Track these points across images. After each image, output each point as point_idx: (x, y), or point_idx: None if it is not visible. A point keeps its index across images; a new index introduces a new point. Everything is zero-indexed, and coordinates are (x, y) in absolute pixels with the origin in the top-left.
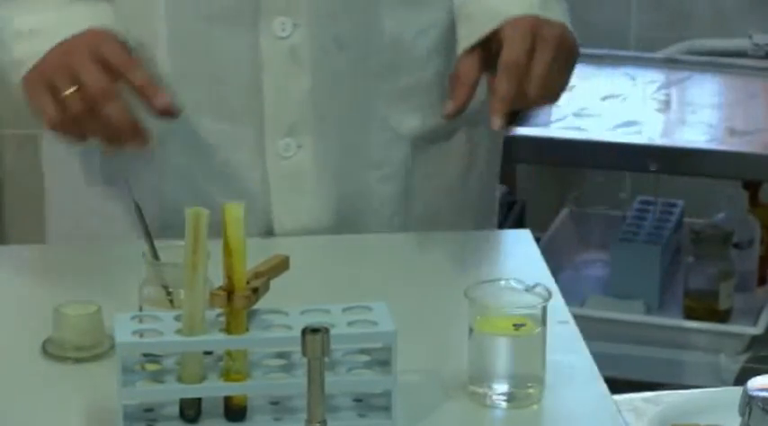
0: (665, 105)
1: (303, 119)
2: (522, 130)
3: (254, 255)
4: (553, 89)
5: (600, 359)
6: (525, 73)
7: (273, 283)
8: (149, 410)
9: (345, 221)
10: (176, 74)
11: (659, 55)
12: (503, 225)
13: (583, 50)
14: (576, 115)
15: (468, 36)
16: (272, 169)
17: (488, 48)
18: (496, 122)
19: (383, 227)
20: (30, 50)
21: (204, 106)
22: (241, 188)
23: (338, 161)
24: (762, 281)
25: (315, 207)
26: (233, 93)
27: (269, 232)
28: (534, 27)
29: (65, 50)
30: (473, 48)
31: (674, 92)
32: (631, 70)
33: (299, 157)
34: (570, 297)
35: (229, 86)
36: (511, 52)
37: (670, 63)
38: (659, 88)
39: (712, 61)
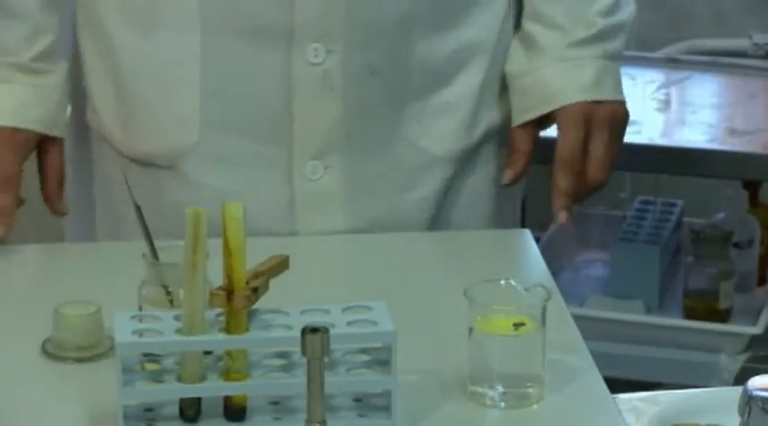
0: (665, 105)
1: (331, 143)
2: None
3: (254, 255)
4: (610, 167)
5: (599, 359)
6: (582, 163)
7: (273, 283)
8: (149, 409)
9: None
10: (207, 89)
11: (659, 54)
12: None
13: None
14: None
15: (523, 112)
16: (298, 190)
17: (542, 121)
18: (562, 216)
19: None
20: None
21: (233, 124)
22: (267, 208)
23: (368, 183)
24: (761, 281)
25: (341, 230)
26: (262, 113)
27: None
28: (587, 113)
29: None
30: (527, 123)
31: (673, 91)
32: (631, 70)
33: (325, 180)
34: (570, 296)
35: (259, 107)
36: (566, 145)
37: (670, 63)
38: (659, 88)
39: (712, 61)
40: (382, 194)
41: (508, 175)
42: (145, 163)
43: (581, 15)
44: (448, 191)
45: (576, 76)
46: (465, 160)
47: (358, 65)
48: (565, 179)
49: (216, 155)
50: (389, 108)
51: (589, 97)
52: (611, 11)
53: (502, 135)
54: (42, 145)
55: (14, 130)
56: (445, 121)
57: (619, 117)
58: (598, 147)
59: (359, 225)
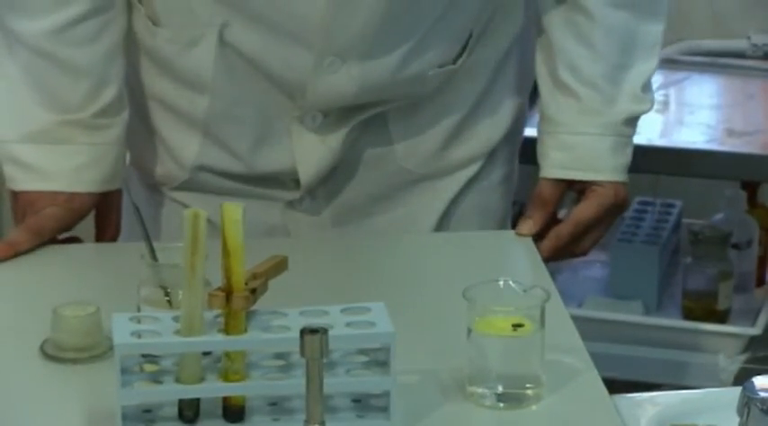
0: (664, 106)
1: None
2: (525, 131)
3: (253, 257)
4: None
5: (598, 360)
6: (585, 233)
7: (272, 284)
8: (148, 411)
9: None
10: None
11: None
12: None
13: None
14: None
15: (563, 168)
16: (288, 221)
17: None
18: (526, 228)
19: None
20: (17, 177)
21: (228, 168)
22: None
23: (354, 206)
24: (760, 282)
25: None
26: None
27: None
28: (616, 194)
29: (22, 202)
30: (559, 179)
31: (672, 92)
32: None
33: (307, 205)
34: (569, 297)
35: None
36: (586, 213)
37: (668, 63)
38: (657, 89)
39: (711, 62)
40: (371, 213)
41: (528, 226)
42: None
43: (627, 86)
44: (443, 206)
45: (621, 156)
46: (454, 175)
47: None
48: (570, 236)
49: (209, 188)
50: (376, 132)
51: (623, 178)
52: (648, 87)
53: (502, 149)
54: (100, 201)
55: (72, 195)
56: (430, 141)
57: (624, 206)
58: (602, 228)
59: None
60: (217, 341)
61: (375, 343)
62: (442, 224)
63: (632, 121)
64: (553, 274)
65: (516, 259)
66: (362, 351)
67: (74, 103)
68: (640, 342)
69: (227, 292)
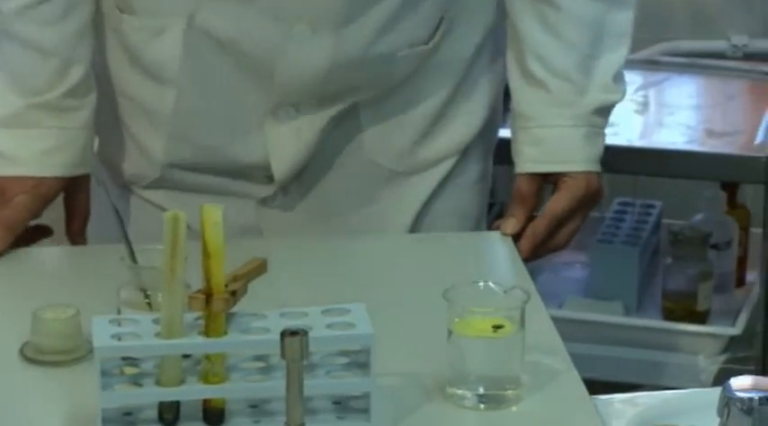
0: (644, 107)
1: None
2: (501, 132)
3: (233, 258)
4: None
5: (578, 361)
6: (560, 226)
7: (252, 286)
8: (128, 413)
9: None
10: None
11: (637, 56)
12: None
13: None
14: None
15: (536, 162)
16: (261, 219)
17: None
18: (508, 226)
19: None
20: None
21: (199, 161)
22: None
23: (329, 201)
24: (740, 282)
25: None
26: (231, 155)
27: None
28: (588, 185)
29: None
30: (533, 174)
31: (652, 93)
32: None
33: (282, 201)
34: (549, 298)
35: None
36: (560, 204)
37: (648, 64)
38: (637, 90)
39: (691, 63)
40: (345, 211)
41: (512, 224)
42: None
43: (597, 76)
44: (418, 205)
45: (593, 146)
46: (428, 173)
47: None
48: (546, 230)
49: (180, 186)
50: (346, 130)
51: (595, 168)
52: (620, 77)
53: (476, 146)
54: (69, 185)
55: (40, 180)
56: (402, 136)
57: (599, 195)
58: (577, 220)
59: (324, 244)
60: (197, 343)
61: (355, 345)
62: (417, 222)
63: (604, 111)
64: (533, 275)
65: (496, 260)
66: (343, 353)
67: (41, 84)
68: (620, 343)
69: (207, 294)
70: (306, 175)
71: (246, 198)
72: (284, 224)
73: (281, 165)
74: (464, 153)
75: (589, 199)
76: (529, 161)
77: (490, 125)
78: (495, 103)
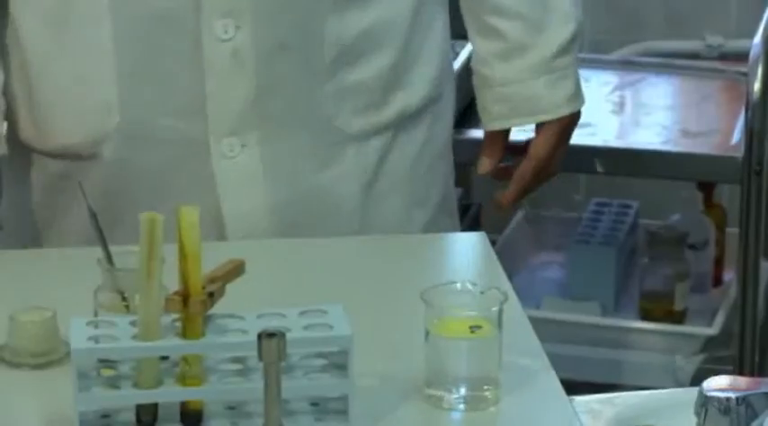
0: (620, 107)
1: (246, 120)
2: (477, 132)
3: (210, 260)
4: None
5: (556, 361)
6: (549, 161)
7: (229, 287)
8: (106, 416)
9: (301, 222)
10: (124, 72)
11: (613, 57)
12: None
13: None
14: None
15: (504, 119)
16: (217, 167)
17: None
18: (506, 201)
19: (342, 227)
20: None
21: (151, 103)
22: (190, 185)
23: (287, 162)
24: (717, 282)
25: (265, 208)
26: (177, 92)
27: (221, 236)
28: (566, 124)
29: None
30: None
31: (627, 93)
32: (585, 72)
33: (243, 157)
34: (526, 299)
35: (174, 86)
36: (543, 148)
37: (624, 65)
38: (613, 90)
39: (666, 63)
40: (302, 172)
41: (485, 165)
42: (66, 156)
43: (553, 8)
44: (371, 169)
45: (562, 89)
46: (382, 138)
47: (268, 40)
48: (532, 174)
49: (137, 134)
50: (302, 85)
51: (571, 110)
52: (576, 2)
53: (421, 113)
54: None
55: None
56: (361, 99)
57: (578, 116)
58: (562, 151)
59: (280, 203)
60: (174, 345)
61: (333, 347)
62: (370, 189)
63: (565, 51)
64: (510, 275)
65: (473, 260)
66: (321, 354)
67: None
68: (598, 343)
69: (185, 296)
70: (263, 127)
71: (199, 147)
72: (242, 176)
73: (225, 101)
74: (415, 117)
75: (569, 130)
76: (496, 119)
77: (440, 89)
78: (441, 72)
